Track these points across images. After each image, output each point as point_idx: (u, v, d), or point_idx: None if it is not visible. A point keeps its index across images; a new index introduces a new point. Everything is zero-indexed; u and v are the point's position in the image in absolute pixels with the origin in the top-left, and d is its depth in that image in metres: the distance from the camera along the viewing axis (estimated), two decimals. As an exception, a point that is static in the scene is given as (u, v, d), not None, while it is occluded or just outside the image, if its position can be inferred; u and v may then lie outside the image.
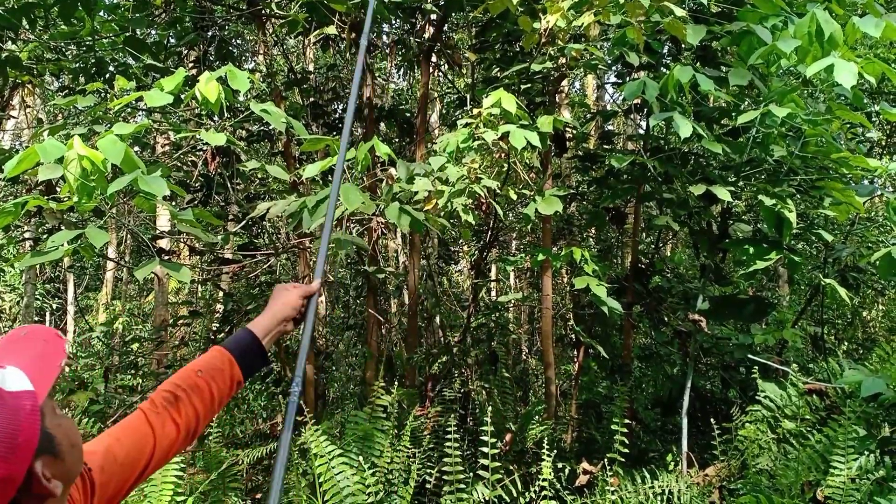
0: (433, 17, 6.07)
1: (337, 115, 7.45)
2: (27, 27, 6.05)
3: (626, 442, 4.36)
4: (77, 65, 6.63)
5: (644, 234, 6.69)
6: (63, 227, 6.09)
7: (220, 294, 8.35)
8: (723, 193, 3.86)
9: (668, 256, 7.45)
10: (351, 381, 8.90)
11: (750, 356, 4.91)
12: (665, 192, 4.51)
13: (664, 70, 4.35)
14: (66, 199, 3.91)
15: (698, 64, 4.26)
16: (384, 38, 7.86)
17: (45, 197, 6.49)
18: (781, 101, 3.73)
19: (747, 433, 4.49)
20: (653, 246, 6.70)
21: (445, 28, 6.28)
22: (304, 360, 1.69)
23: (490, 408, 4.36)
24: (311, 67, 8.78)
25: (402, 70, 9.44)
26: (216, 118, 5.89)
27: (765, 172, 4.26)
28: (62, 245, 3.93)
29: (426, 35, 6.16)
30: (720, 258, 5.15)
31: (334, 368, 8.78)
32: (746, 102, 4.31)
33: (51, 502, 1.06)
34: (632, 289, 5.36)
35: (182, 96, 4.30)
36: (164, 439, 1.41)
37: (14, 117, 10.43)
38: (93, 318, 12.46)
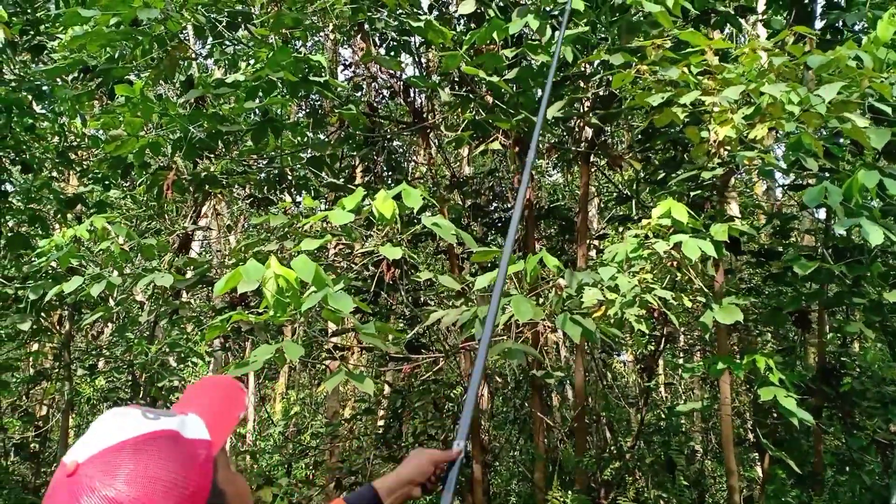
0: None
1: (496, 216, 7.70)
2: (222, 147, 6.77)
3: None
4: (261, 176, 7.32)
5: (829, 333, 6.25)
6: (255, 331, 6.64)
7: (388, 390, 8.65)
8: (923, 299, 3.58)
9: (859, 354, 6.88)
10: (514, 478, 8.80)
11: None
12: (855, 297, 4.24)
13: (844, 167, 4.17)
14: (262, 312, 4.28)
15: (882, 160, 4.05)
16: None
17: (237, 303, 7.12)
18: None
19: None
20: (839, 342, 6.23)
21: (605, 129, 6.39)
22: None
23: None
24: (468, 169, 9.17)
25: (557, 166, 9.63)
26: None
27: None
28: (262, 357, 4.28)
29: (584, 137, 6.29)
30: (923, 362, 4.71)
31: (497, 463, 8.74)
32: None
33: None
34: (820, 391, 5.00)
35: (360, 212, 4.63)
36: None
37: (210, 228, 11.57)
38: (271, 407, 13.27)
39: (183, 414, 1.02)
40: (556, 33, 4.30)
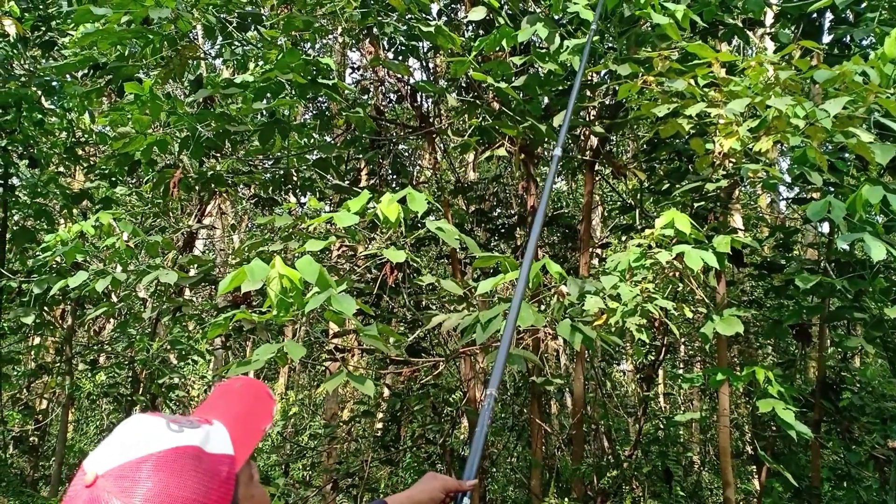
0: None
1: (500, 222, 7.72)
2: (229, 147, 6.80)
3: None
4: (267, 176, 7.35)
5: (830, 347, 6.26)
6: (256, 330, 6.65)
7: (387, 393, 8.67)
8: (924, 316, 3.59)
9: (859, 369, 6.89)
10: (510, 484, 8.79)
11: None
12: (856, 312, 4.25)
13: (849, 181, 4.19)
14: (265, 311, 4.30)
15: (886, 176, 4.07)
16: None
17: (240, 302, 7.13)
18: None
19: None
20: (839, 357, 6.24)
21: (610, 137, 6.42)
22: None
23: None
24: (472, 175, 9.20)
25: (562, 174, 9.63)
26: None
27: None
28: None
29: (589, 145, 6.32)
30: (923, 378, 4.72)
31: (495, 470, 8.74)
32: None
33: None
34: (819, 405, 5.01)
35: (365, 214, 4.63)
36: None
37: (214, 227, 11.60)
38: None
39: (208, 423, 1.01)
40: (567, 42, 4.33)
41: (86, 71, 6.69)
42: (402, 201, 4.19)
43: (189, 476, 0.92)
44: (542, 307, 4.66)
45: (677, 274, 3.98)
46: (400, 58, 6.68)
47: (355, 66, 9.06)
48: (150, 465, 0.91)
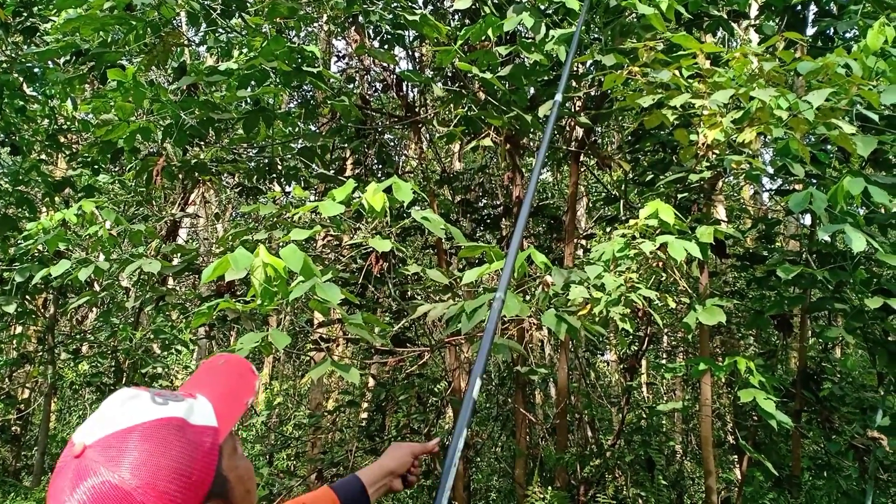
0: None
1: (485, 212, 7.73)
2: (213, 135, 6.74)
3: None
4: (251, 164, 7.30)
5: (811, 338, 6.33)
6: (241, 320, 6.61)
7: (372, 383, 8.68)
8: (903, 306, 3.63)
9: (840, 360, 6.97)
10: (495, 474, 8.84)
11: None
12: (836, 303, 4.30)
13: (831, 173, 4.23)
14: (250, 300, 4.27)
15: (869, 168, 4.11)
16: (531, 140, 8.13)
17: (224, 291, 7.09)
18: (967, 208, 3.51)
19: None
20: (820, 348, 6.31)
21: (595, 128, 6.43)
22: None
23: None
24: (458, 165, 9.19)
25: (547, 165, 9.65)
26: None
27: (950, 280, 3.97)
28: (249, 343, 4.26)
29: (574, 136, 6.33)
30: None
31: (479, 459, 8.77)
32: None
33: None
34: (800, 395, 5.06)
35: (350, 204, 4.61)
36: None
37: (198, 216, 11.53)
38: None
39: (192, 397, 1.03)
40: (553, 32, 4.32)
41: (68, 57, 6.61)
42: (388, 191, 4.18)
43: (174, 446, 0.95)
44: (528, 297, 4.68)
45: (661, 264, 4.00)
46: (385, 46, 6.65)
47: (340, 54, 9.01)
48: (137, 435, 0.94)
